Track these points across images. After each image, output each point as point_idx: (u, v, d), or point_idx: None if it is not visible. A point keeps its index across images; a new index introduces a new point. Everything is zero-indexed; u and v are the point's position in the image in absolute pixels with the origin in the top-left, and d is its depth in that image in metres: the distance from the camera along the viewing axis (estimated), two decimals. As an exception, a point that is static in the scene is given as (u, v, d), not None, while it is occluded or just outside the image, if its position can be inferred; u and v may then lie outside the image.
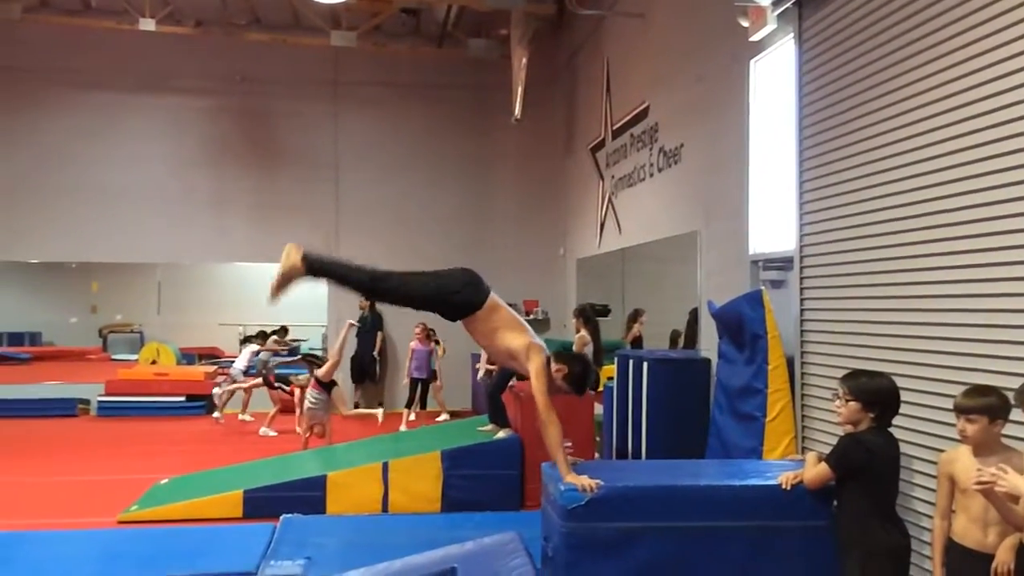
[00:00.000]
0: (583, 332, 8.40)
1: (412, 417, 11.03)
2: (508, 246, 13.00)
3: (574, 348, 8.38)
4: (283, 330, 12.69)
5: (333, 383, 8.81)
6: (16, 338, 18.17)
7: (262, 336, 11.97)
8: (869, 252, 4.49)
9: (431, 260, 12.60)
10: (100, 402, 12.05)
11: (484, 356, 7.95)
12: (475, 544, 4.43)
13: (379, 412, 9.24)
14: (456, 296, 4.33)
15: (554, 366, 4.11)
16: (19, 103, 12.35)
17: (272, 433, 10.09)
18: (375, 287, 4.42)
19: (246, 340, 12.95)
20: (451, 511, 6.46)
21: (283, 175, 12.79)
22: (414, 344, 10.91)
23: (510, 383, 7.45)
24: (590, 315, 8.57)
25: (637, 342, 8.42)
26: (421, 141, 13.04)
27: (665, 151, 8.16)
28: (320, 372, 8.76)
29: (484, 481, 6.70)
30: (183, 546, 5.38)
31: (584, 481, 3.58)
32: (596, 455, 7.21)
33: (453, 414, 11.22)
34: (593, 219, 10.71)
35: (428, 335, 10.93)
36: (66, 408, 11.93)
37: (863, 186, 4.57)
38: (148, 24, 11.25)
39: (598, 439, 7.39)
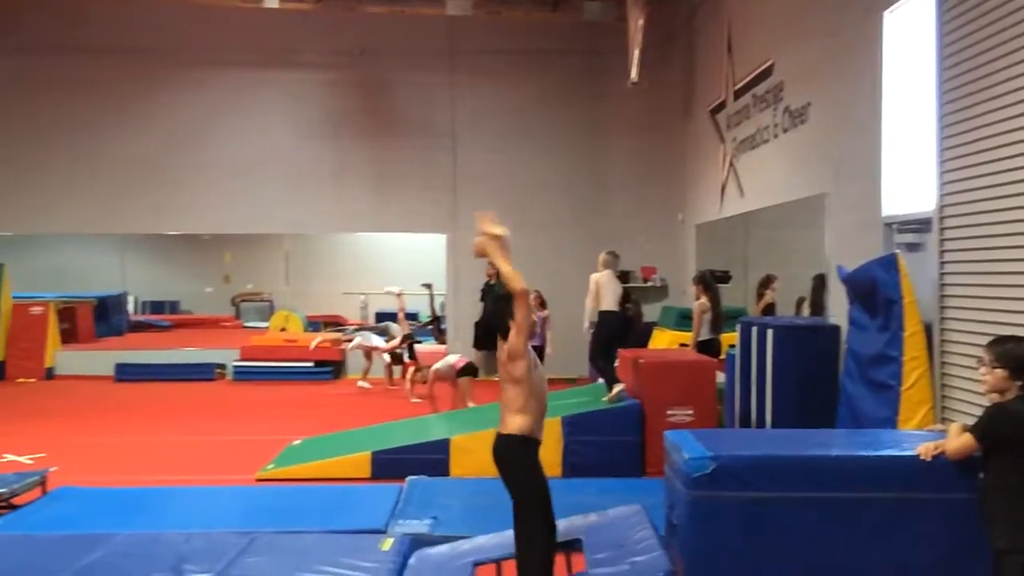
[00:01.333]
0: (703, 299, 8.27)
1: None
2: (624, 213, 12.87)
3: (694, 315, 8.26)
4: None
5: None
6: (158, 307, 19.31)
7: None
8: (1017, 212, 4.21)
9: (546, 228, 12.76)
10: (235, 367, 12.69)
11: (587, 311, 7.94)
12: (599, 515, 4.44)
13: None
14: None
15: None
16: (154, 84, 12.97)
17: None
18: None
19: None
20: (571, 476, 6.48)
21: (401, 145, 13.01)
22: None
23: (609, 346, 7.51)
24: (710, 282, 8.42)
25: (769, 310, 8.19)
26: (536, 108, 13.00)
27: (790, 111, 7.85)
28: None
29: (604, 447, 6.71)
30: (317, 503, 5.62)
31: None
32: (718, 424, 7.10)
33: (572, 381, 11.24)
34: (713, 183, 10.46)
35: (542, 303, 10.96)
36: (204, 372, 12.61)
37: (1010, 141, 4.28)
38: (272, 2, 11.61)
39: (720, 408, 7.28)
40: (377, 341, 11.88)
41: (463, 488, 5.97)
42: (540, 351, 11.14)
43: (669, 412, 6.77)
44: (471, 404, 8.82)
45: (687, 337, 8.63)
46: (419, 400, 10.06)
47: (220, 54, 12.95)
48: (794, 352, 6.12)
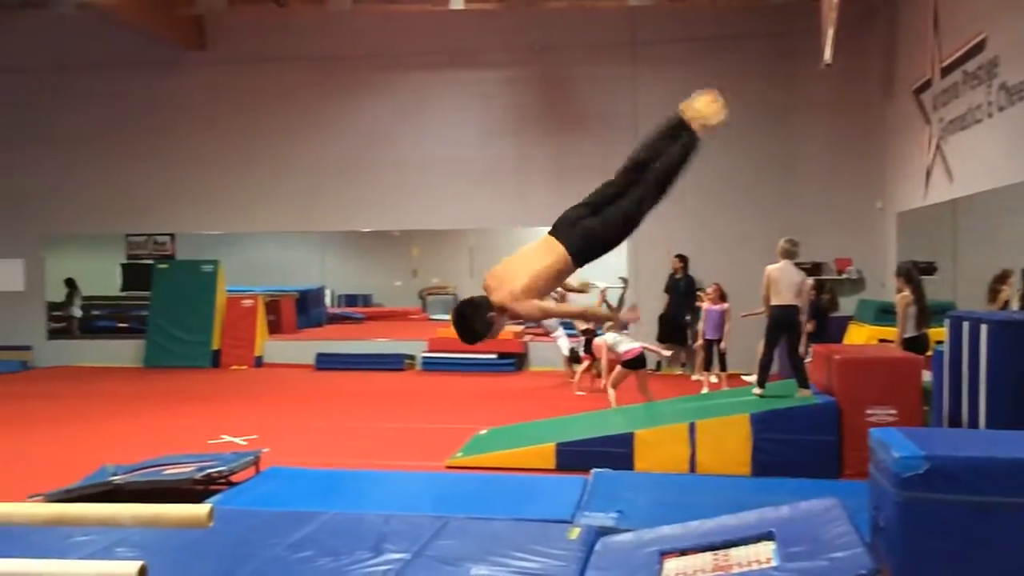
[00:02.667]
0: (905, 292, 7.74)
1: (714, 379, 10.85)
2: (816, 202, 12.29)
3: (897, 309, 7.76)
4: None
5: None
6: (352, 300, 20.42)
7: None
8: None
9: (730, 218, 12.40)
10: (424, 358, 13.21)
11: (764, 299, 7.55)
12: (792, 508, 4.25)
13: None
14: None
15: None
16: (347, 89, 13.69)
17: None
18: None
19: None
20: (761, 475, 6.27)
21: (582, 139, 13.03)
22: (707, 305, 10.67)
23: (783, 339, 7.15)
24: (912, 274, 7.86)
25: (1005, 308, 7.53)
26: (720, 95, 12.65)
27: (1007, 88, 7.21)
28: None
29: (797, 446, 6.42)
30: (504, 492, 5.73)
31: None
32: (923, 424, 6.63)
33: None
34: (917, 168, 9.78)
35: (722, 295, 10.64)
36: (395, 363, 13.21)
37: None
38: (458, 3, 11.96)
39: (926, 408, 6.79)
40: (561, 336, 12.00)
41: (648, 482, 5.90)
42: (717, 344, 10.84)
43: (869, 411, 6.39)
44: (651, 396, 8.67)
45: (886, 332, 8.13)
46: (582, 393, 10.11)
47: (407, 57, 13.48)
48: (1011, 349, 5.60)
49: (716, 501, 5.25)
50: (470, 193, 13.40)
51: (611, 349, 9.18)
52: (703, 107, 4.30)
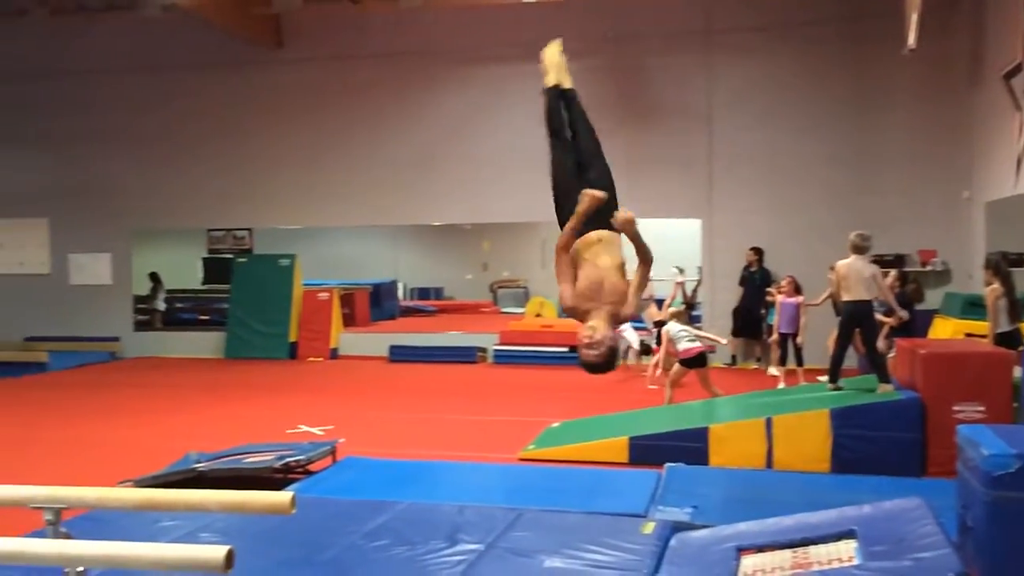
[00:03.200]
0: (995, 285, 7.45)
1: (773, 371, 10.71)
2: (897, 191, 11.93)
3: (987, 303, 7.49)
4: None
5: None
6: (424, 293, 20.64)
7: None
8: None
9: (808, 209, 12.14)
10: (495, 350, 13.27)
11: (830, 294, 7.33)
12: (874, 507, 4.14)
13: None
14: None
15: None
16: (422, 84, 13.81)
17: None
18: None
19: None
20: (841, 472, 6.12)
21: (654, 130, 12.89)
22: (781, 298, 10.45)
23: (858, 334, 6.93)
24: (1002, 266, 7.57)
25: None
26: (797, 84, 12.38)
27: (1105, 69, 6.86)
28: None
29: (879, 443, 6.25)
30: (576, 484, 5.72)
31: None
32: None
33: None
34: (1007, 156, 9.39)
35: (797, 288, 10.40)
36: (467, 355, 13.30)
37: None
38: (530, -5, 11.95)
39: (1015, 404, 6.53)
40: (628, 330, 11.89)
41: (724, 478, 5.83)
42: (793, 338, 10.60)
43: (956, 408, 6.17)
44: (717, 391, 8.52)
45: (974, 327, 7.84)
46: (655, 387, 9.99)
47: (481, 51, 13.52)
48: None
49: (794, 498, 5.15)
50: (542, 186, 13.19)
51: (671, 343, 8.91)
52: (546, 56, 4.52)
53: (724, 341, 9.55)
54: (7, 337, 14.67)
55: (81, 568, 2.59)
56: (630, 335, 11.84)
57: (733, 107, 12.58)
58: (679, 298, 12.15)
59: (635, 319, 12.46)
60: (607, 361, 3.62)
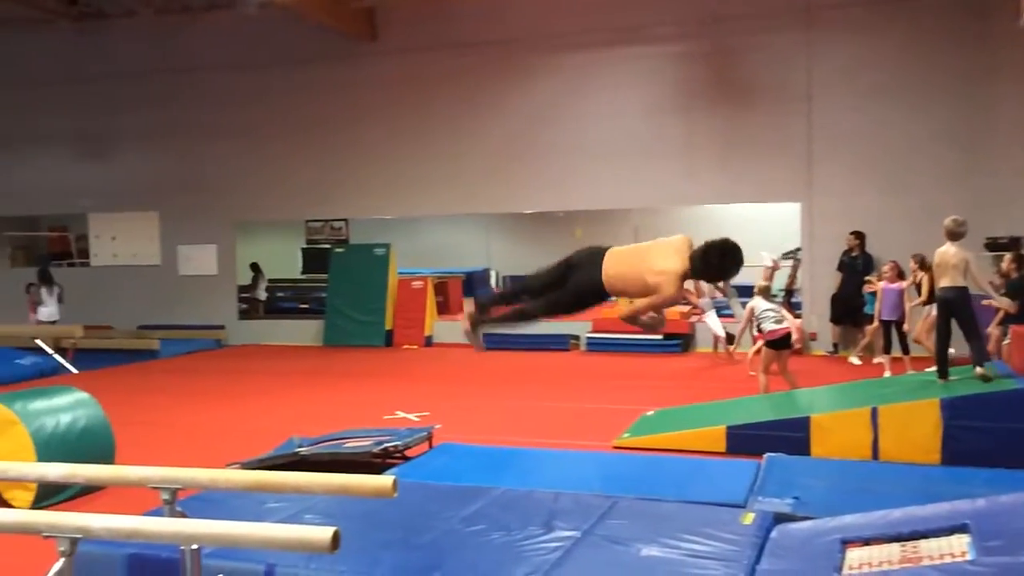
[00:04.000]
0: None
1: (882, 360, 10.33)
2: (1012, 170, 11.34)
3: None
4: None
5: None
6: (516, 280, 20.70)
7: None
8: None
9: (917, 191, 11.65)
10: (588, 338, 13.23)
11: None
12: (988, 501, 3.96)
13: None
14: (582, 286, 4.53)
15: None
16: (513, 72, 13.83)
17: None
18: (536, 309, 4.72)
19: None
20: (953, 464, 5.86)
21: (751, 112, 12.59)
22: (883, 283, 10.05)
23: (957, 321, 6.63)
24: None
25: None
26: (904, 60, 11.88)
27: None
28: None
29: (993, 434, 5.95)
30: (672, 473, 5.66)
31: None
32: None
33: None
34: None
35: (899, 274, 9.98)
36: (560, 343, 13.31)
37: None
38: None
39: None
40: (712, 318, 11.70)
41: (826, 469, 5.65)
42: (898, 326, 10.18)
43: (1079, 398, 5.85)
44: (794, 380, 8.26)
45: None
46: (755, 373, 9.72)
47: (571, 37, 13.45)
48: None
49: (902, 490, 4.97)
50: (634, 172, 13.25)
51: (754, 322, 8.53)
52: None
53: (797, 321, 9.16)
54: (122, 325, 15.43)
55: (196, 546, 2.71)
56: (714, 323, 11.62)
57: (836, 86, 12.16)
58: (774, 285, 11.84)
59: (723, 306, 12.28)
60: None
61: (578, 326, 13.52)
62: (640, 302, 4.44)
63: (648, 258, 4.53)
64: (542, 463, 6.01)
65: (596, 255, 4.61)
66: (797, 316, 12.12)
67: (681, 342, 12.78)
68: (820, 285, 12.25)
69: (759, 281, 9.79)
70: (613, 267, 4.53)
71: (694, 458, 6.22)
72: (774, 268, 11.63)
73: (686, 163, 12.97)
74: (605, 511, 4.45)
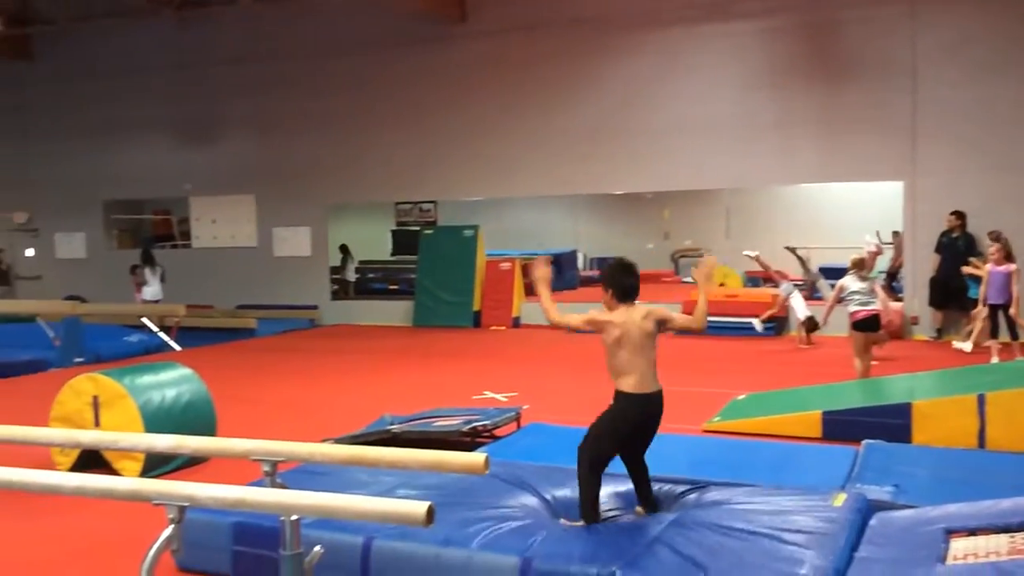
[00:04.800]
0: None
1: (961, 346, 9.93)
2: None
3: None
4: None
5: None
6: (603, 262, 20.56)
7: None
8: None
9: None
10: (677, 321, 13.04)
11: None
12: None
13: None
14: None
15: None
16: (602, 51, 13.68)
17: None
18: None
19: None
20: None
21: (850, 88, 12.15)
22: (989, 266, 9.57)
23: None
24: None
25: None
26: (1014, 34, 11.25)
27: None
28: None
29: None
30: (764, 458, 5.55)
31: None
32: None
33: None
34: None
35: (1008, 255, 9.49)
36: (648, 325, 13.14)
37: None
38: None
39: None
40: (797, 299, 11.41)
41: (929, 457, 5.45)
42: (1005, 309, 9.68)
43: None
44: (870, 366, 7.97)
45: None
46: (874, 362, 9.38)
47: (660, 15, 13.24)
48: None
49: (1011, 480, 4.76)
50: (727, 151, 12.97)
51: (841, 301, 8.15)
52: None
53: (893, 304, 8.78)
54: (222, 305, 16.00)
55: (296, 516, 2.79)
56: (798, 304, 11.34)
57: (942, 60, 11.62)
58: (876, 270, 11.45)
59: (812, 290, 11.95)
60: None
61: (667, 308, 13.35)
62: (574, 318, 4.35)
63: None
64: (631, 445, 5.96)
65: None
66: (898, 299, 11.74)
67: (775, 325, 12.50)
68: (922, 268, 11.80)
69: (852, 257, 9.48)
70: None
71: (787, 443, 6.08)
72: (876, 252, 11.24)
73: (781, 141, 12.63)
74: (696, 494, 4.40)
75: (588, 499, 4.09)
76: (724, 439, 6.31)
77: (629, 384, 4.22)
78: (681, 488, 4.56)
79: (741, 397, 7.62)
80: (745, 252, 12.96)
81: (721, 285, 15.16)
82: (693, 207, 18.47)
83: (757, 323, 11.57)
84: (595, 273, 19.66)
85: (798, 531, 3.79)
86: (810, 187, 14.65)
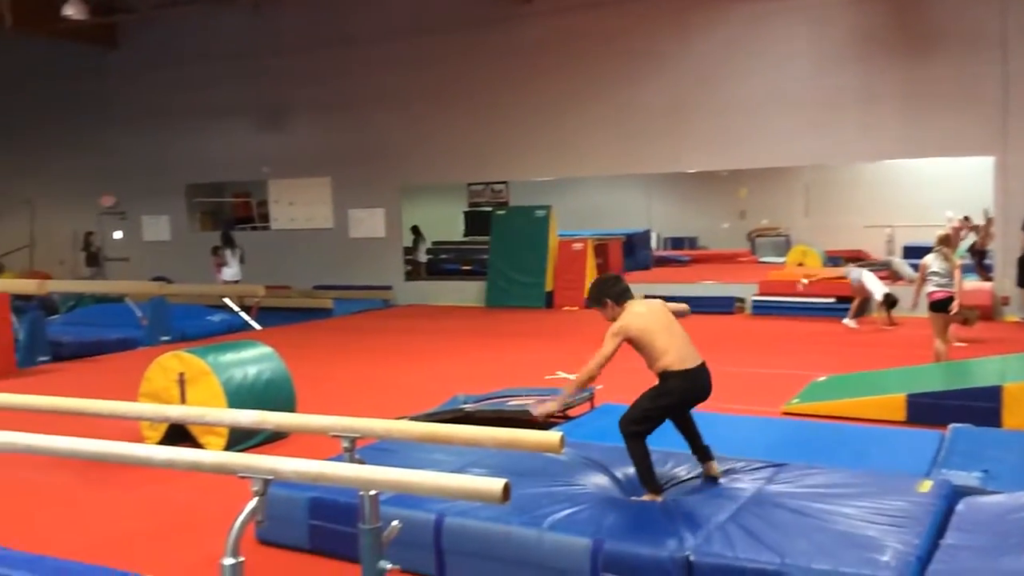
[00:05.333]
0: None
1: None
2: None
3: None
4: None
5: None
6: (677, 243, 20.35)
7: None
8: None
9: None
10: (754, 301, 12.83)
11: None
12: None
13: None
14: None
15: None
16: (674, 27, 13.43)
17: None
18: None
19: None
20: None
21: (937, 64, 11.68)
22: None
23: None
24: None
25: None
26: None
27: None
28: None
29: None
30: (846, 441, 5.41)
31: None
32: None
33: None
34: None
35: None
36: (724, 306, 12.97)
37: None
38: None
39: None
40: (870, 279, 11.05)
41: (1020, 442, 5.23)
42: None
43: None
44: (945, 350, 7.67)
45: None
46: (962, 344, 9.04)
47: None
48: None
49: (1111, 468, 4.54)
50: (805, 127, 12.62)
51: (925, 281, 7.85)
52: None
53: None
54: (299, 285, 16.35)
55: (374, 492, 2.83)
56: (873, 285, 10.98)
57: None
58: (962, 247, 11.04)
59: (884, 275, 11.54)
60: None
61: (744, 288, 13.15)
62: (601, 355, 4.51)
63: None
64: (707, 427, 5.86)
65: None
66: (988, 279, 11.30)
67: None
68: (1014, 246, 11.31)
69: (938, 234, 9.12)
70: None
71: (869, 427, 5.92)
72: (961, 228, 10.83)
73: (863, 116, 12.23)
74: (773, 476, 4.32)
75: (644, 469, 4.20)
76: (804, 421, 6.20)
77: (669, 361, 4.38)
78: (757, 465, 4.48)
79: (821, 379, 7.46)
80: (948, 213, 12.38)
81: (800, 265, 14.83)
82: (770, 185, 18.06)
83: (850, 322, 11.15)
84: (669, 253, 19.47)
85: (880, 515, 3.69)
86: (892, 163, 14.16)
